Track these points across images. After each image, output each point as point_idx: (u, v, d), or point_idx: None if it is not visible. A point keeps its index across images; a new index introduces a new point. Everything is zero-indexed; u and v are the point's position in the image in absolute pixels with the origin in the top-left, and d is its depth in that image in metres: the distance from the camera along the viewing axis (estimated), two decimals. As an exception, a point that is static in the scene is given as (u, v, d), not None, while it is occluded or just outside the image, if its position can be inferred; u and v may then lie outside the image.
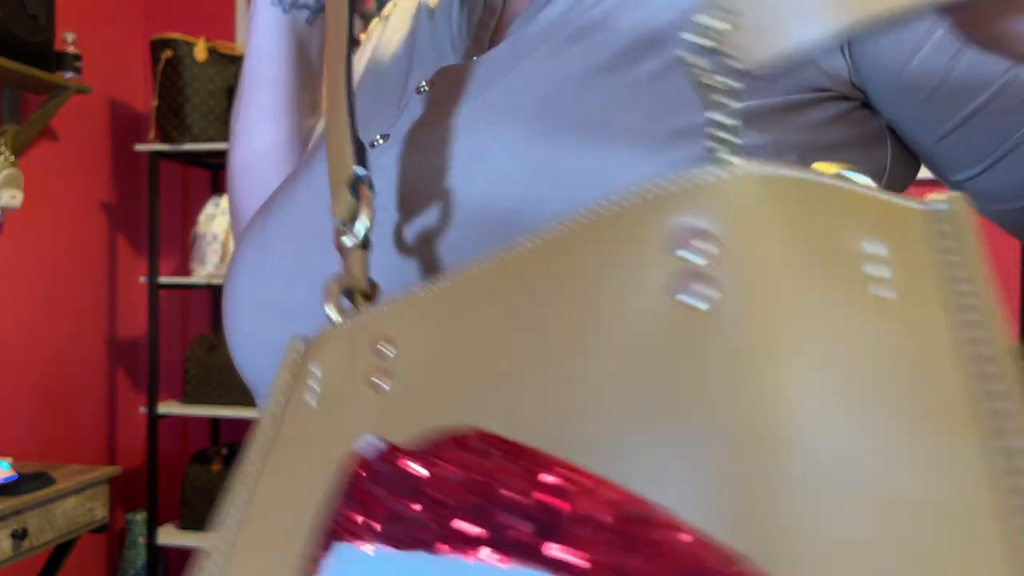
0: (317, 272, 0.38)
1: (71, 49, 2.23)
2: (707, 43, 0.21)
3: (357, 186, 0.34)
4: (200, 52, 2.30)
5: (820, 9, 0.20)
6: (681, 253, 0.20)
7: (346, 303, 0.31)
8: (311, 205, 0.42)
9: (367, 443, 0.24)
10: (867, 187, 0.21)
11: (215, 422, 2.64)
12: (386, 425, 0.24)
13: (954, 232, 0.20)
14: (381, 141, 0.42)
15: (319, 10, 0.56)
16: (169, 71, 2.30)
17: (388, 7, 0.55)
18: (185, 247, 2.55)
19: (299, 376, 0.29)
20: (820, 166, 0.21)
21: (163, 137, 2.35)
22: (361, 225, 0.33)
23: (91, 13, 2.47)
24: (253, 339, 0.43)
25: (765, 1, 0.21)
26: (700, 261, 0.20)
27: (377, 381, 0.26)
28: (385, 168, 0.40)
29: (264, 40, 0.55)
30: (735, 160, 0.21)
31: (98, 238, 2.56)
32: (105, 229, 2.59)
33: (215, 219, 2.37)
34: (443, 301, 0.26)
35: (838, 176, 0.21)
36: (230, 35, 2.60)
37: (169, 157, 2.42)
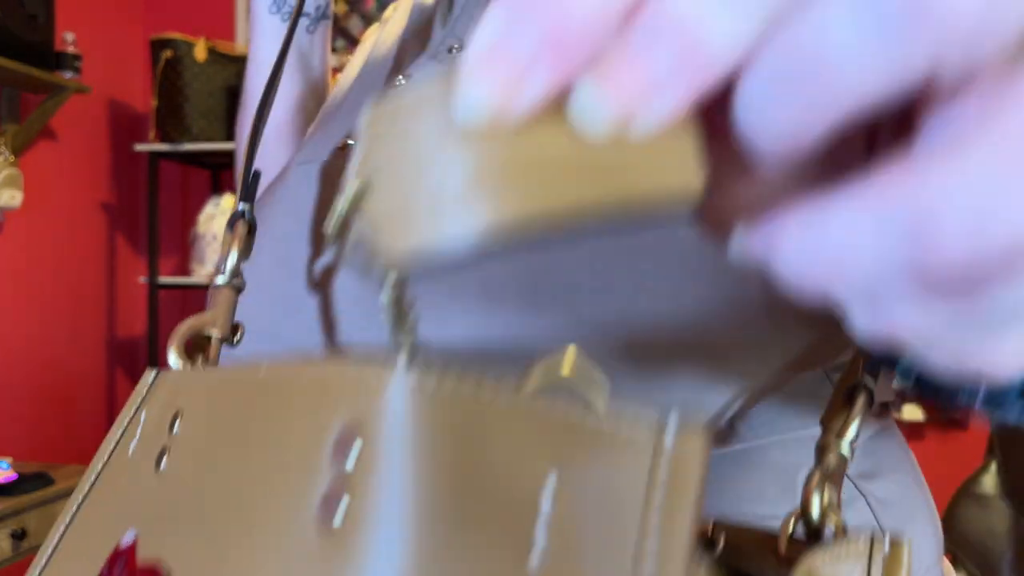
0: (290, 292, 0.38)
1: (70, 49, 2.22)
2: (346, 205, 0.17)
3: (234, 222, 0.34)
4: (200, 52, 2.30)
5: (465, 202, 0.15)
6: (335, 467, 0.18)
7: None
8: (282, 222, 0.42)
9: (128, 535, 0.24)
10: (573, 403, 0.17)
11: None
12: (151, 511, 0.23)
13: (669, 480, 0.17)
14: (353, 142, 0.42)
15: (319, 18, 0.56)
16: (169, 71, 2.30)
17: (388, 11, 0.55)
18: (185, 247, 2.55)
19: (134, 418, 0.28)
20: (558, 360, 0.18)
21: (163, 137, 2.34)
22: (228, 261, 0.32)
23: (90, 12, 2.46)
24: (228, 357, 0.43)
25: (407, 174, 0.16)
26: (345, 473, 0.17)
27: (160, 459, 0.25)
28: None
29: (264, 50, 0.55)
30: (403, 360, 0.18)
31: (97, 238, 2.55)
32: (104, 229, 2.58)
33: (215, 219, 2.37)
34: (220, 392, 0.24)
35: (539, 392, 0.17)
36: (230, 35, 2.60)
37: (169, 157, 2.42)
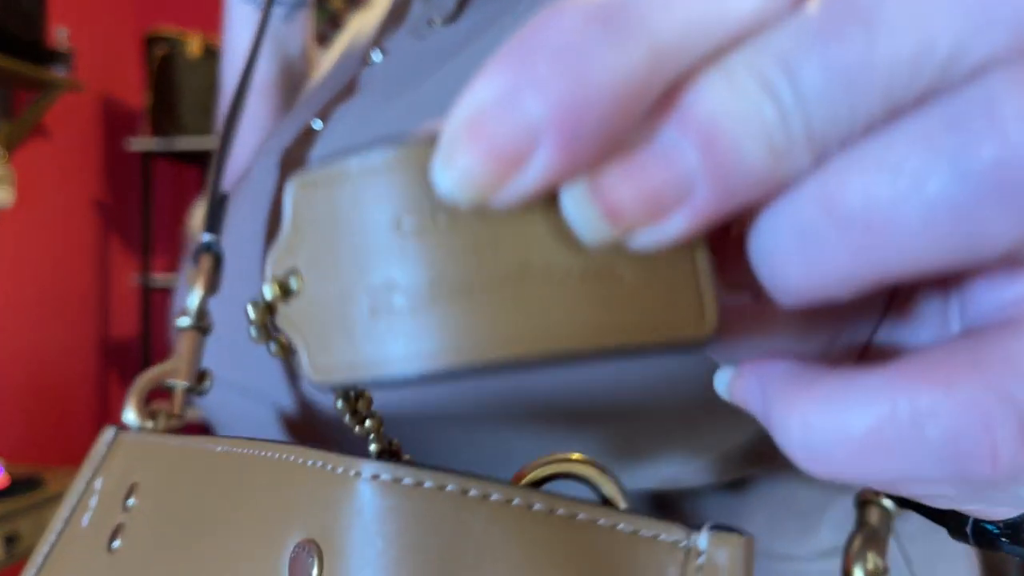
0: (242, 303, 0.35)
1: (63, 45, 2.20)
2: (268, 297, 0.14)
3: (198, 255, 0.30)
4: (194, 48, 2.27)
5: (417, 323, 0.12)
6: None
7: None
8: (246, 211, 0.39)
9: None
10: (584, 509, 0.15)
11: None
12: None
13: None
14: (320, 124, 0.38)
15: (296, 5, 0.53)
16: (163, 67, 2.27)
17: None
18: (178, 246, 2.52)
19: (89, 486, 0.25)
20: (568, 461, 0.16)
21: (156, 134, 2.32)
22: (191, 300, 0.29)
23: (84, 8, 2.44)
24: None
25: (343, 273, 0.13)
26: None
27: (112, 538, 0.23)
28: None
29: (238, 41, 0.53)
30: (364, 466, 0.15)
31: (90, 237, 2.53)
32: (97, 228, 2.56)
33: (210, 218, 2.35)
34: (176, 468, 0.22)
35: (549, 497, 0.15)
36: (224, 32, 2.57)
37: (162, 155, 2.39)
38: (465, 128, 0.11)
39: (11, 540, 1.74)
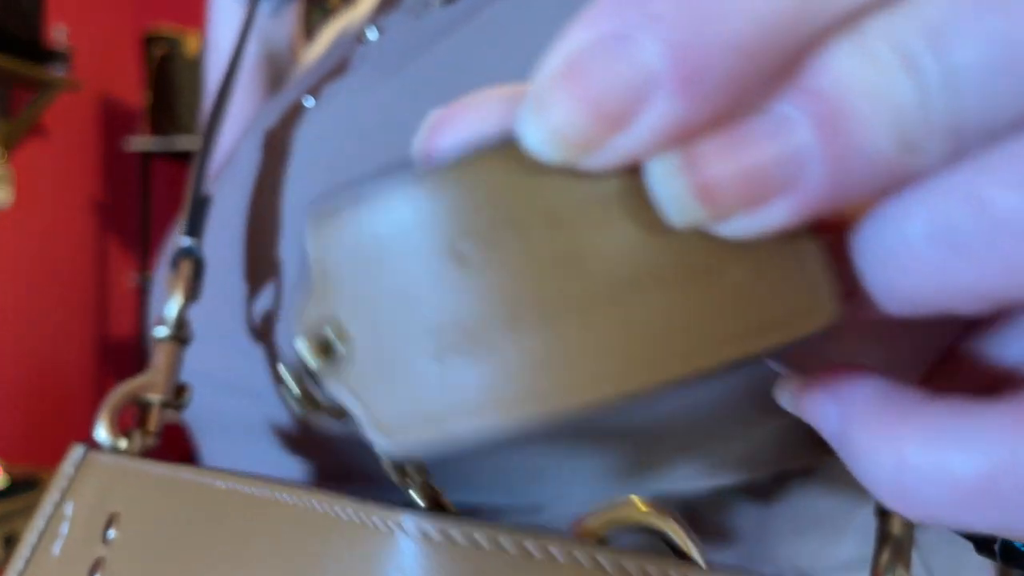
0: (225, 293, 0.34)
1: (62, 44, 2.19)
2: (308, 360, 0.12)
3: (177, 260, 0.28)
4: (193, 47, 2.27)
5: (488, 378, 0.10)
6: None
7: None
8: (229, 196, 0.37)
9: None
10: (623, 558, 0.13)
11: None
12: None
13: None
14: (311, 101, 0.35)
15: (284, 0, 0.52)
16: (162, 66, 2.27)
17: None
18: (178, 246, 2.51)
19: (58, 510, 0.24)
20: (630, 506, 0.14)
21: (155, 134, 2.32)
22: (170, 307, 0.27)
23: (83, 7, 2.43)
24: None
25: (390, 323, 0.11)
26: None
27: (92, 574, 0.21)
28: (306, 140, 0.32)
29: (224, 39, 0.51)
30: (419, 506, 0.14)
31: (88, 236, 2.52)
32: (96, 228, 2.55)
33: (208, 218, 2.34)
34: (168, 501, 0.20)
35: (592, 542, 0.14)
36: (224, 31, 2.56)
37: (161, 155, 2.39)
38: (563, 73, 0.10)
39: (9, 540, 1.73)
